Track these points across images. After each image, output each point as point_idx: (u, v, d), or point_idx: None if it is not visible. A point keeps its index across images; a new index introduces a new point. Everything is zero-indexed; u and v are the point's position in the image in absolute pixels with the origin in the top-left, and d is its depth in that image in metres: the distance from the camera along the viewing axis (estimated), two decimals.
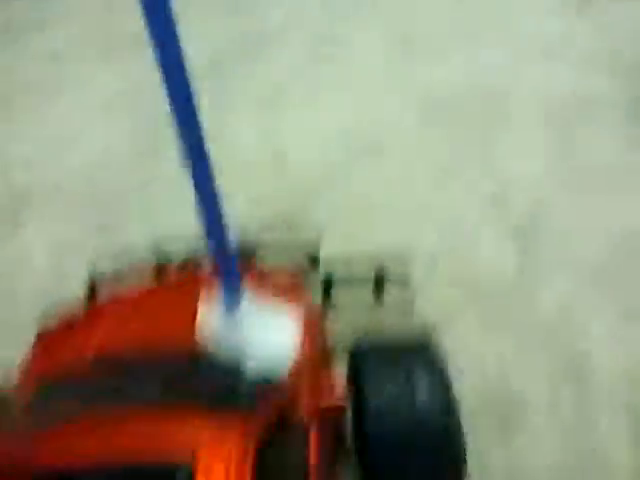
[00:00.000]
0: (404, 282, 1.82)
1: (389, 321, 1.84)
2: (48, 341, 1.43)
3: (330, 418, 1.32)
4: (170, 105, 1.02)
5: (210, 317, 1.27)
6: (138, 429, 1.07)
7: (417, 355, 1.46)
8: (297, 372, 1.19)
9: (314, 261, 1.70)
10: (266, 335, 1.23)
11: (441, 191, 2.35)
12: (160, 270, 1.60)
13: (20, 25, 3.60)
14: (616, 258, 2.15)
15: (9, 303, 2.21)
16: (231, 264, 1.19)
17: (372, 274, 1.74)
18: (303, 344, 1.23)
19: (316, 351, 1.33)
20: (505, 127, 2.54)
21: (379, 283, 1.71)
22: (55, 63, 2.93)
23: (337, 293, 1.74)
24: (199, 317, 1.27)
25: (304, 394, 1.19)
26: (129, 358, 1.24)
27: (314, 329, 1.35)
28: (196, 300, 1.29)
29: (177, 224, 2.17)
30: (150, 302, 1.42)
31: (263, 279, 1.39)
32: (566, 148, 2.47)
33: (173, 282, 1.55)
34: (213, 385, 1.15)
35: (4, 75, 3.00)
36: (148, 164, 2.47)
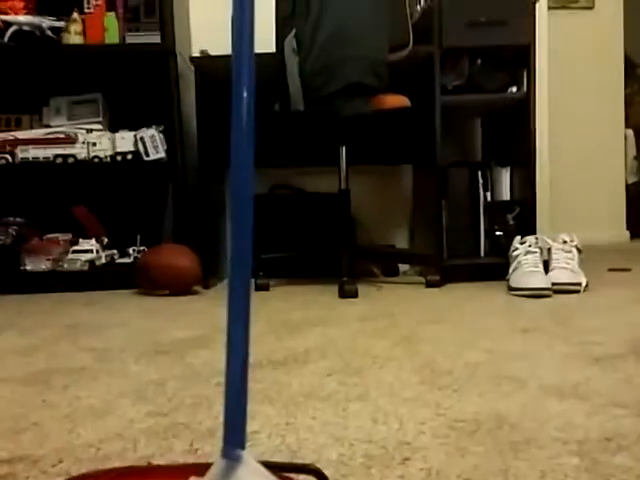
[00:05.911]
0: None
1: None
2: None
3: None
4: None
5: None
6: None
7: None
8: None
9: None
10: None
11: None
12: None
13: (82, 327, 4.26)
14: None
15: None
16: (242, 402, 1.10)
17: None
18: None
19: None
20: (528, 453, 2.45)
21: None
22: (97, 357, 3.18)
23: None
24: None
25: None
26: None
27: None
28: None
29: None
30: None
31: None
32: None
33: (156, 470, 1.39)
34: None
35: (52, 360, 3.24)
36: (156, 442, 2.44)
